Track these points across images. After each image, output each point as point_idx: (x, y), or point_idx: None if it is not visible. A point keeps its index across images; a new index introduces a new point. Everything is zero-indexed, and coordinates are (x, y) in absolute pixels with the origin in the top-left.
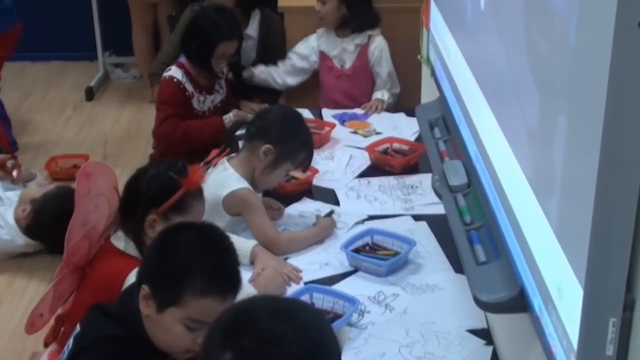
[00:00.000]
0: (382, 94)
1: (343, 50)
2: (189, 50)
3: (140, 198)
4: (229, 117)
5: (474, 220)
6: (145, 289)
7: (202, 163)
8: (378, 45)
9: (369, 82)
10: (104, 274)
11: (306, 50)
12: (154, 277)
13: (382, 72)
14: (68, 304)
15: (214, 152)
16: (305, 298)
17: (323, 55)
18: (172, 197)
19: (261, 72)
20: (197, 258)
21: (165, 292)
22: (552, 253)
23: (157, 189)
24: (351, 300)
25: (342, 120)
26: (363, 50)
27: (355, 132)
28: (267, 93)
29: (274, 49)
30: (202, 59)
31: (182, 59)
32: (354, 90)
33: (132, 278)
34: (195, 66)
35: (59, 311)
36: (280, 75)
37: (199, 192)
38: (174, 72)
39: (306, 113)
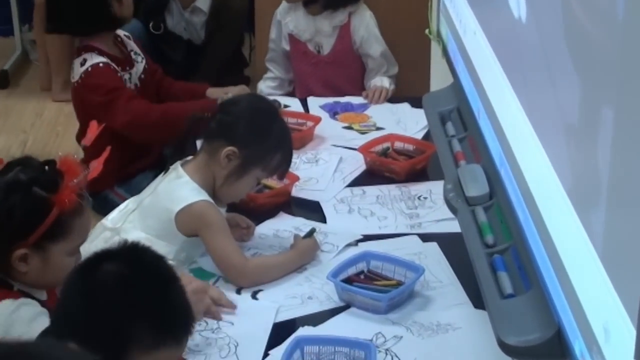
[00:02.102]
0: (381, 81)
1: (317, 33)
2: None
3: None
4: (221, 98)
5: (497, 241)
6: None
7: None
8: (363, 21)
9: (356, 67)
10: None
11: (274, 35)
12: (85, 338)
13: (373, 53)
14: None
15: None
16: (296, 356)
17: (293, 38)
18: (42, 222)
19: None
20: (137, 308)
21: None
22: (598, 283)
23: (21, 217)
24: (363, 347)
25: (334, 111)
26: (344, 31)
27: (349, 127)
28: (234, 73)
29: (227, 28)
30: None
31: (84, 41)
32: (337, 79)
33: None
34: (96, 39)
35: None
36: (269, 92)
37: (79, 206)
38: (92, 58)
39: (286, 102)
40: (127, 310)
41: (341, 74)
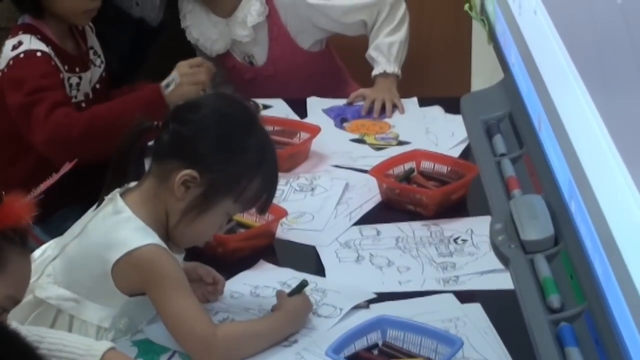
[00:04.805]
0: (380, 65)
1: (234, 41)
2: None
3: None
4: (172, 80)
5: (566, 303)
6: None
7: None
8: None
9: (325, 56)
10: None
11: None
12: None
13: (331, 15)
14: None
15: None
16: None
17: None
18: None
19: None
20: None
21: None
22: None
23: None
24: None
25: (341, 117)
26: (272, 21)
27: (360, 140)
28: None
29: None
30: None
31: (27, 19)
32: (307, 84)
33: None
34: (47, 19)
35: None
36: None
37: (21, 237)
38: (30, 42)
39: (273, 104)
40: None
41: (304, 75)
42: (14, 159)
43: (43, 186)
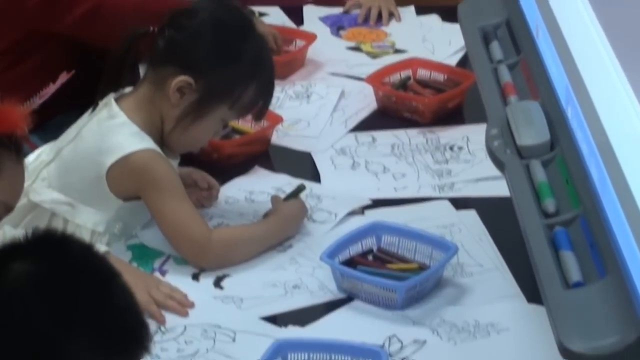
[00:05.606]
0: None
1: None
2: None
3: None
4: None
5: (561, 208)
6: None
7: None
8: None
9: None
10: None
11: None
12: None
13: None
14: None
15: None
16: None
17: None
18: None
19: None
20: (67, 322)
21: None
22: None
23: None
24: (371, 355)
25: (337, 25)
26: None
27: (357, 48)
28: None
29: None
30: None
31: None
32: None
33: None
34: None
35: None
36: None
37: (16, 145)
38: None
39: (269, 11)
40: (54, 327)
41: None
42: (15, 63)
43: (41, 95)
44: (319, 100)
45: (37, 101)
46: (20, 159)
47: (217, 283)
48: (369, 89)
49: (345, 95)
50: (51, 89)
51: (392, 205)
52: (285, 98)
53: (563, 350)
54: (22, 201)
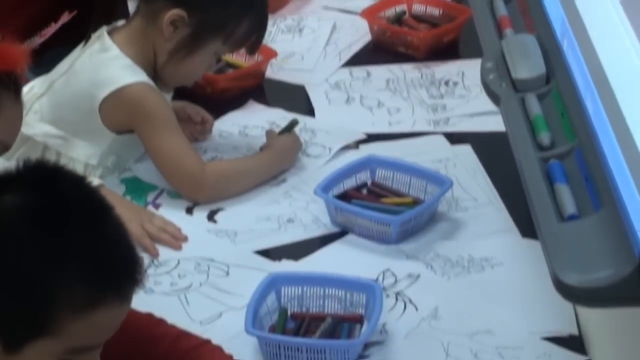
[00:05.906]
0: None
1: None
2: None
3: None
4: None
5: (556, 141)
6: None
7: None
8: None
9: None
10: None
11: None
12: None
13: None
14: None
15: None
16: (271, 300)
17: None
18: None
19: None
20: (59, 255)
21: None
22: None
23: None
24: (364, 289)
25: None
26: None
27: None
28: None
29: None
30: None
31: None
32: None
33: None
34: None
35: None
36: None
37: (15, 83)
38: None
39: None
40: (46, 259)
41: None
42: (18, 8)
43: (42, 34)
44: (312, 34)
45: (38, 40)
46: (18, 97)
47: (211, 217)
48: (360, 22)
49: (337, 29)
50: (52, 28)
51: (387, 140)
52: (277, 32)
53: (557, 283)
54: None
